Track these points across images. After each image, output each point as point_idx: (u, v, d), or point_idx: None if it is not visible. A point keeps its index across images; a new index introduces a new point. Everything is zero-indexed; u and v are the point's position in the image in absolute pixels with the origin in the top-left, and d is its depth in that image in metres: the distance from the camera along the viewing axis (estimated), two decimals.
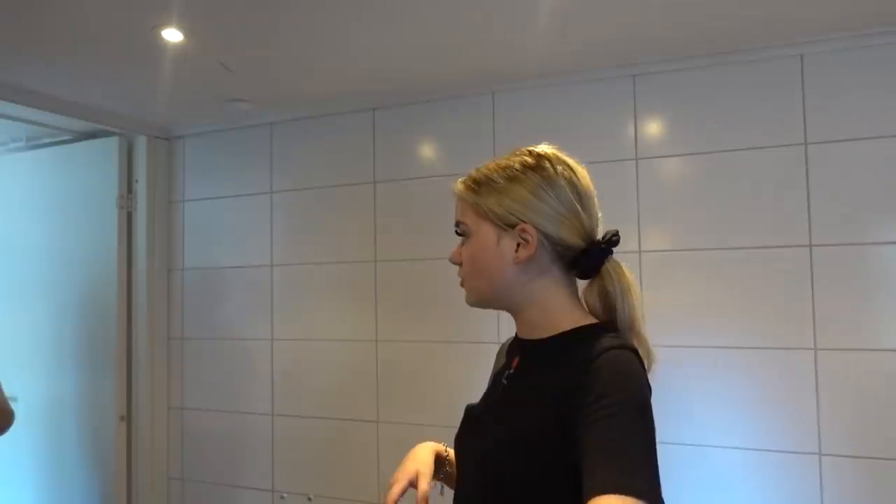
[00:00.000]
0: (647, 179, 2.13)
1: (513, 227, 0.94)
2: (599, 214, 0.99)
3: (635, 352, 0.90)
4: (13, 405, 2.06)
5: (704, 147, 2.08)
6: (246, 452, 2.72)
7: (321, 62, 2.14)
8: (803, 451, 1.93)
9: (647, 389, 0.87)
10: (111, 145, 2.78)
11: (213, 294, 2.82)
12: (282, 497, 2.62)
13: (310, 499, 2.56)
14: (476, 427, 1.01)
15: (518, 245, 0.94)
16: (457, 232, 1.01)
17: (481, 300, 1.00)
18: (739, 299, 2.01)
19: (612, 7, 1.75)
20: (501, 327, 2.21)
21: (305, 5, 1.73)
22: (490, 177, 0.97)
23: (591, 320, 0.96)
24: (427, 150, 2.48)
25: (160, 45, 1.94)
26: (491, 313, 2.29)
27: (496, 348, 1.14)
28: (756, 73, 2.03)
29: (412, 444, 1.05)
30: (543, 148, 0.99)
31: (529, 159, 0.97)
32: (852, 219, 1.92)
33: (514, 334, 1.11)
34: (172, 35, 1.88)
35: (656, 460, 0.82)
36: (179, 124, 2.86)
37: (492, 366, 1.13)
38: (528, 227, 0.93)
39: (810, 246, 1.95)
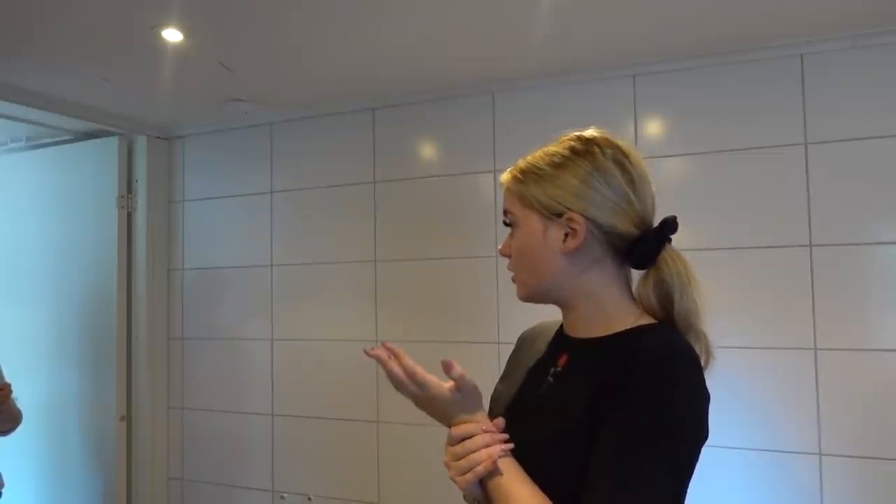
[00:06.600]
0: None
1: (559, 216, 0.89)
2: (654, 200, 0.93)
3: (690, 354, 0.83)
4: None
5: (704, 147, 2.08)
6: (246, 452, 2.72)
7: (321, 62, 2.14)
8: (803, 451, 1.93)
9: (689, 402, 0.80)
10: (111, 145, 2.78)
11: (213, 294, 2.82)
12: (282, 497, 2.63)
13: (310, 499, 2.56)
14: (510, 422, 0.93)
15: (566, 235, 0.89)
16: (505, 223, 0.97)
17: (531, 294, 0.95)
18: (739, 299, 2.01)
19: (612, 7, 1.75)
20: (501, 327, 2.20)
21: (305, 5, 1.73)
22: (536, 164, 0.92)
23: (648, 320, 0.89)
24: (427, 150, 2.48)
25: (160, 45, 1.94)
26: (490, 313, 2.30)
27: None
28: (756, 73, 2.03)
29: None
30: (592, 132, 0.94)
31: (577, 144, 0.92)
32: (852, 219, 1.92)
33: (538, 323, 1.09)
34: (172, 35, 1.88)
35: (667, 483, 0.78)
36: (179, 124, 2.86)
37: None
38: (575, 216, 0.88)
39: (810, 246, 1.95)
